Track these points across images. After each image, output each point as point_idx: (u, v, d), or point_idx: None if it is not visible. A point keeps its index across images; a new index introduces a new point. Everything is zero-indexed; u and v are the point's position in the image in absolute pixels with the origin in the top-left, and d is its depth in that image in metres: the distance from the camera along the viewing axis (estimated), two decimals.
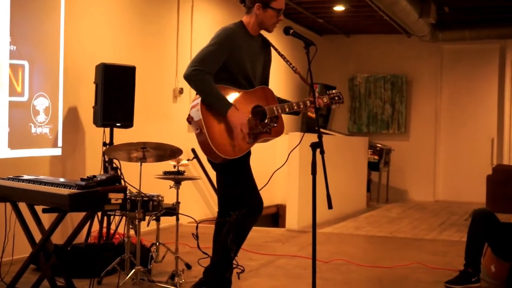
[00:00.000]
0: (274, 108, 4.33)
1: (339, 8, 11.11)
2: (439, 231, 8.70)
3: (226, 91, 4.22)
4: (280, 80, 10.72)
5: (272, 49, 4.49)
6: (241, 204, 4.24)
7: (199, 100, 4.16)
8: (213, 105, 4.14)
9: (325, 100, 4.51)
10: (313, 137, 3.89)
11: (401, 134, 13.42)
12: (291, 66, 4.40)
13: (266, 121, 4.31)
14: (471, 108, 13.09)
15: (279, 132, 4.39)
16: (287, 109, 4.38)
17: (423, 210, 11.34)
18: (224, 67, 4.22)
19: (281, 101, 4.48)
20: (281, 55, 4.41)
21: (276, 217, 11.21)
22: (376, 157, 12.34)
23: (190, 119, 4.23)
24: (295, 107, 4.40)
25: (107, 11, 7.24)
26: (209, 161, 4.34)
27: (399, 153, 13.16)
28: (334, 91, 4.57)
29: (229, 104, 4.15)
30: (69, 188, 3.89)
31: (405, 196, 13.32)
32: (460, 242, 7.34)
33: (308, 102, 4.38)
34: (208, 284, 4.34)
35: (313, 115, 4.37)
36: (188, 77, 4.16)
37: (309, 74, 3.97)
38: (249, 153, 4.35)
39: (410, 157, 13.31)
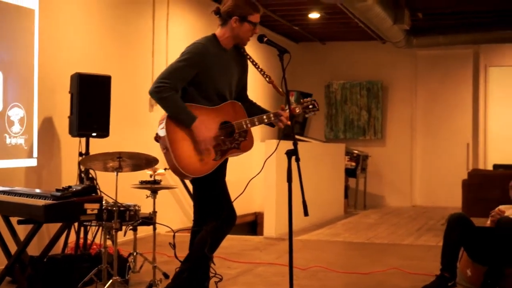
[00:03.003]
0: (243, 123, 4.26)
1: (314, 15, 11.17)
2: (416, 236, 8.75)
3: (190, 110, 4.14)
4: (257, 88, 10.74)
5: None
6: (215, 216, 4.23)
7: (165, 120, 4.11)
8: (178, 119, 4.09)
9: (298, 111, 4.41)
10: (289, 145, 3.88)
11: (377, 140, 13.49)
12: (265, 76, 4.37)
13: (234, 136, 4.26)
14: (446, 113, 13.20)
15: (248, 146, 4.32)
16: (256, 123, 4.30)
17: (400, 215, 11.39)
18: (196, 83, 4.17)
19: (260, 110, 4.43)
20: (256, 66, 4.38)
21: (254, 225, 11.21)
22: (353, 163, 12.39)
23: (157, 138, 4.20)
24: (265, 120, 4.32)
25: (82, 20, 7.21)
26: None
27: (376, 159, 13.24)
28: (308, 99, 4.46)
29: (193, 117, 4.09)
30: (45, 199, 3.87)
31: (383, 202, 13.38)
32: (437, 246, 7.39)
33: (279, 113, 4.32)
34: None
35: (282, 126, 4.36)
36: (152, 94, 4.11)
37: (283, 81, 3.97)
38: (223, 165, 4.31)
39: (386, 163, 13.39)
